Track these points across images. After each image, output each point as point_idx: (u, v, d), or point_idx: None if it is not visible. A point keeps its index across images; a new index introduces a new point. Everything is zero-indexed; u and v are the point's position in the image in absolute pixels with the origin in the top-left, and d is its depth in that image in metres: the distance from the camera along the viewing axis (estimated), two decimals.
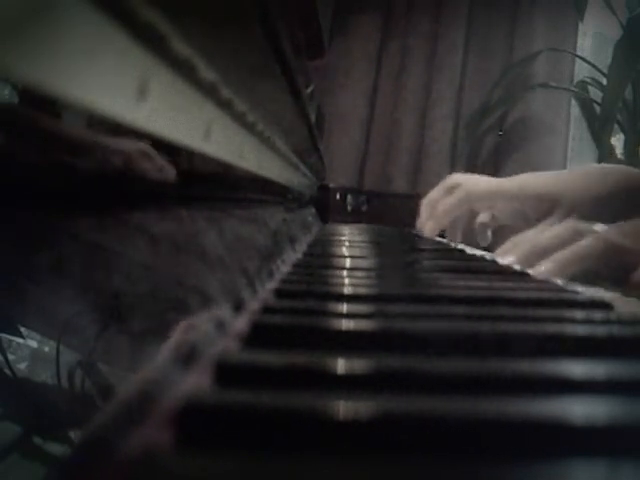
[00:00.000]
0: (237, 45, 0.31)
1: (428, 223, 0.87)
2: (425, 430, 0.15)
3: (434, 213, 0.86)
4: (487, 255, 0.65)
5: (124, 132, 0.21)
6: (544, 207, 0.71)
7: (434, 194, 0.90)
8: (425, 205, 0.90)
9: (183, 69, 0.24)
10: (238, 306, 0.29)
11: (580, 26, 2.07)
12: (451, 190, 0.85)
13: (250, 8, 0.29)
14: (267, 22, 0.32)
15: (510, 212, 0.78)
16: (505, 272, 0.49)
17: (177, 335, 0.20)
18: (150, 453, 0.14)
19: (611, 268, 0.54)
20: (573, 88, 2.05)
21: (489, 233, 0.86)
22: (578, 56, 2.08)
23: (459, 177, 0.89)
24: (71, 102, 0.16)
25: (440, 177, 0.91)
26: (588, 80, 2.04)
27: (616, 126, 1.94)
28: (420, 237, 0.88)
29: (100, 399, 0.16)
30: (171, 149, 0.27)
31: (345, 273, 0.41)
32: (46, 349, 0.15)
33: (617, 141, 2.00)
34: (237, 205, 0.46)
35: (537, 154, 2.01)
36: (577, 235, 0.57)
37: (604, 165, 0.79)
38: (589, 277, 0.52)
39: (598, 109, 1.94)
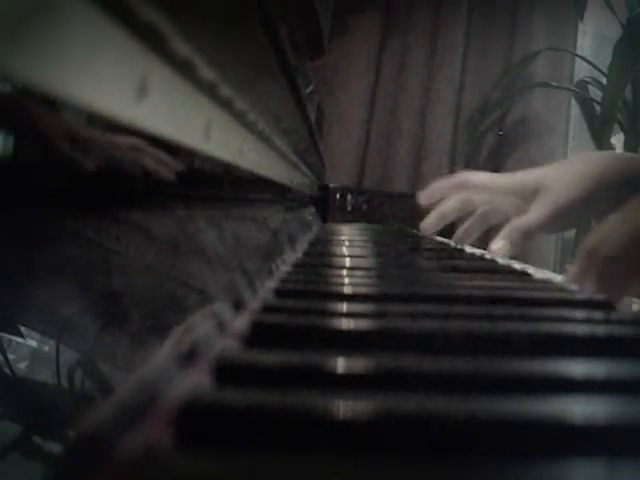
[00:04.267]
0: (237, 44, 0.31)
1: (429, 219, 0.84)
2: (425, 430, 0.15)
3: (437, 210, 0.84)
4: (487, 254, 0.65)
5: (124, 131, 0.21)
6: (528, 193, 0.72)
7: (440, 190, 0.86)
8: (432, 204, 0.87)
9: (183, 68, 0.24)
10: (238, 305, 0.29)
11: (580, 26, 2.07)
12: (458, 187, 0.83)
13: (250, 8, 0.29)
14: (267, 22, 0.32)
15: (504, 204, 0.78)
16: (505, 271, 0.49)
17: (177, 335, 0.20)
18: (150, 453, 0.14)
19: None
20: (573, 88, 2.05)
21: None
22: (578, 55, 2.08)
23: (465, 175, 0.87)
24: (71, 101, 0.16)
25: (439, 176, 0.91)
26: (588, 79, 2.04)
27: (616, 126, 1.94)
28: (420, 236, 0.88)
29: (100, 399, 0.16)
30: (171, 148, 0.27)
31: (345, 273, 0.41)
32: (46, 348, 0.15)
33: (617, 141, 2.00)
34: (237, 204, 0.46)
35: (537, 154, 2.01)
36: None
37: (592, 152, 0.81)
38: None
39: (598, 108, 1.94)
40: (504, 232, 0.70)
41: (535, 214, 0.69)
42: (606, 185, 0.66)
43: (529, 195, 0.72)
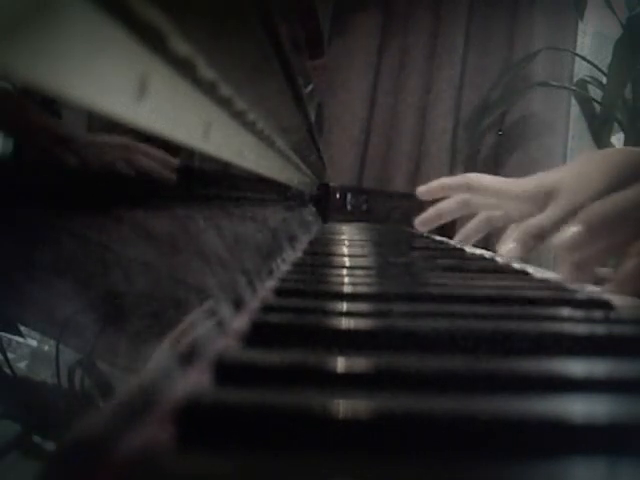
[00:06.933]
0: (237, 44, 0.31)
1: (424, 215, 0.82)
2: (424, 429, 0.15)
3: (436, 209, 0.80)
4: (486, 254, 0.65)
5: (123, 130, 0.21)
6: (543, 198, 0.67)
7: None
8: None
9: (183, 68, 0.24)
10: (238, 305, 0.29)
11: (580, 25, 2.07)
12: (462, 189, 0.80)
13: (250, 7, 0.29)
14: (267, 21, 0.32)
15: (515, 211, 0.74)
16: (504, 270, 0.49)
17: (177, 334, 0.20)
18: (150, 453, 0.14)
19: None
20: (573, 87, 2.05)
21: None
22: (578, 55, 2.08)
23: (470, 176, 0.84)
24: (71, 100, 0.16)
25: (439, 176, 0.89)
26: (588, 79, 2.04)
27: (616, 125, 1.94)
28: (420, 236, 0.88)
29: (100, 398, 0.16)
30: (171, 148, 0.27)
31: (345, 272, 0.41)
32: (46, 348, 0.15)
33: (617, 140, 2.00)
34: (237, 204, 0.46)
35: (537, 153, 2.01)
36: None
37: (603, 150, 0.78)
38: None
39: (598, 108, 1.94)
40: (515, 234, 0.63)
41: (549, 214, 0.64)
42: (621, 182, 0.60)
43: (543, 200, 0.67)
